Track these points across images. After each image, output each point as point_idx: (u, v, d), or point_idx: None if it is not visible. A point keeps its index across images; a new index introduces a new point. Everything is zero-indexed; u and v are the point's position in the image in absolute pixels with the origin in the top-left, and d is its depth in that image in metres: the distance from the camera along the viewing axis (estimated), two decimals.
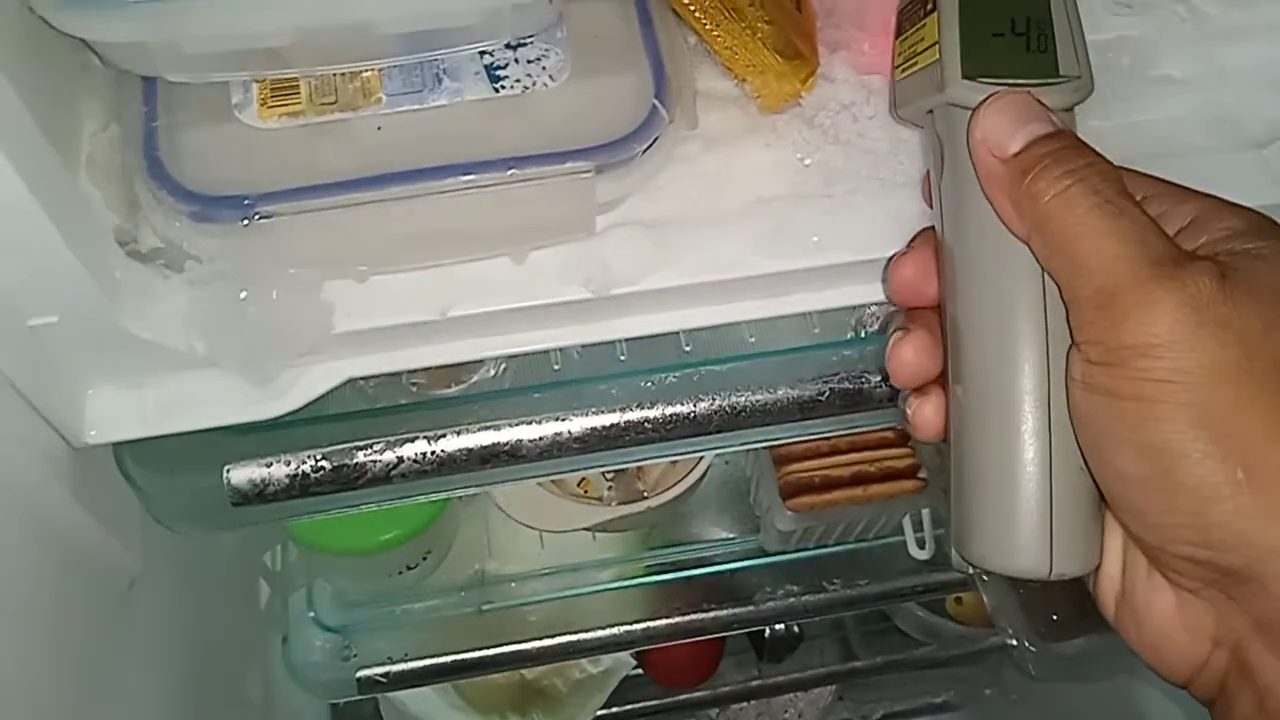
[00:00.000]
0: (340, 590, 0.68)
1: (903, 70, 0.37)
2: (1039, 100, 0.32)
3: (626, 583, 0.71)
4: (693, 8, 0.38)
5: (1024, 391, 0.31)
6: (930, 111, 0.35)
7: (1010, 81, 0.32)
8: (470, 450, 0.42)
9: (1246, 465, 0.26)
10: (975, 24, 0.33)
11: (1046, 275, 0.31)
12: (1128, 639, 0.31)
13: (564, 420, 0.42)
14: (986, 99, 0.32)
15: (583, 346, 0.44)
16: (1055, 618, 0.67)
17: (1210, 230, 0.30)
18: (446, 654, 0.67)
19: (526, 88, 0.37)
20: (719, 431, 0.43)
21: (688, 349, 0.45)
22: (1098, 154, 0.30)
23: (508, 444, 0.42)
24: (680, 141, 0.40)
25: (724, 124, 0.42)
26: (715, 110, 0.42)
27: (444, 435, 0.41)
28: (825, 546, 0.69)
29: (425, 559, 0.65)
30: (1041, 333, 0.31)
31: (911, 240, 0.37)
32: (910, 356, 0.34)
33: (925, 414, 0.34)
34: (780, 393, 0.44)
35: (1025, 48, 0.33)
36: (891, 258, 0.37)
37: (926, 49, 0.34)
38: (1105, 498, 0.30)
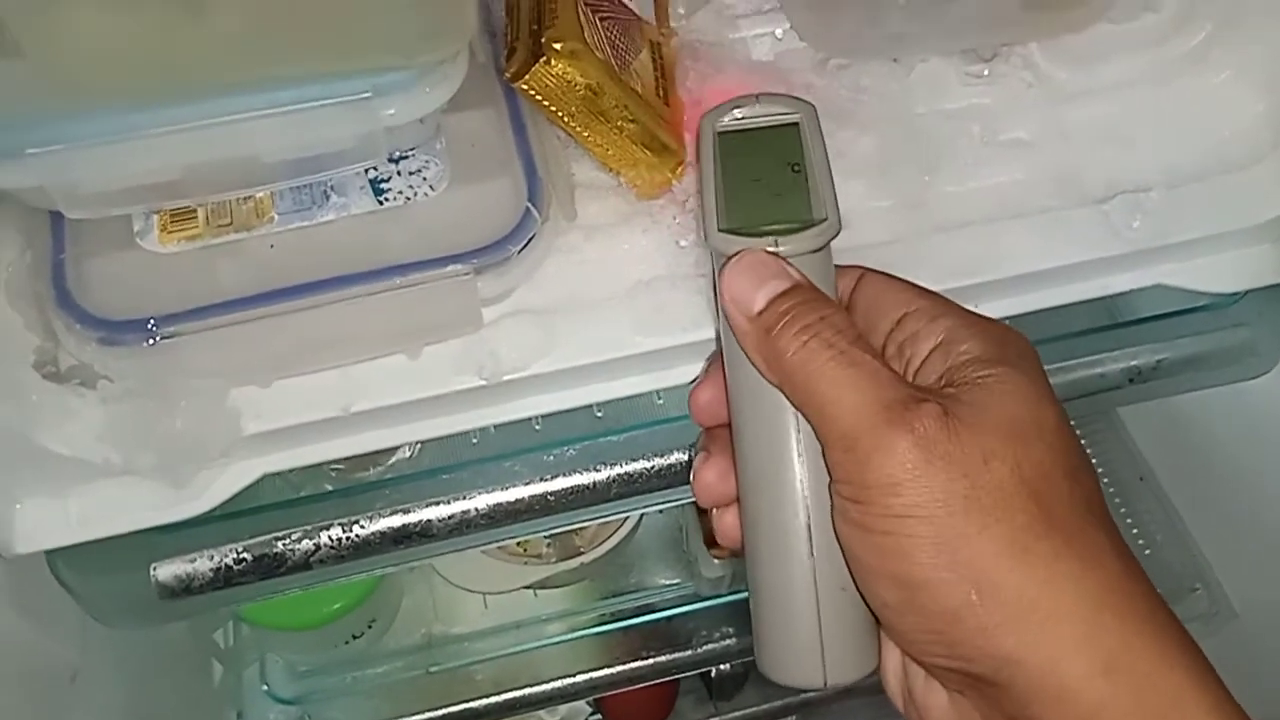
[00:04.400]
0: (291, 662, 0.70)
1: (696, 199, 0.39)
2: (786, 251, 0.34)
3: (569, 636, 0.73)
4: (560, 114, 0.42)
5: (786, 521, 0.33)
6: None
7: (766, 229, 0.34)
8: (383, 533, 0.44)
9: (978, 586, 0.29)
10: (734, 173, 0.35)
11: (800, 415, 0.33)
12: None
13: (470, 498, 0.45)
14: (730, 258, 0.34)
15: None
16: None
17: (951, 355, 0.32)
18: (398, 717, 0.69)
19: (409, 198, 0.41)
20: (619, 498, 0.46)
21: (600, 415, 0.48)
22: (831, 304, 0.33)
23: (419, 524, 0.45)
24: (562, 233, 0.44)
25: (604, 212, 0.45)
26: (595, 200, 0.45)
27: (358, 521, 0.44)
28: None
29: (370, 627, 0.68)
30: (799, 467, 0.33)
31: (707, 363, 0.39)
32: (710, 479, 0.37)
33: (727, 522, 0.37)
34: (674, 457, 0.46)
35: (782, 192, 0.35)
36: (692, 382, 0.39)
37: (698, 191, 0.37)
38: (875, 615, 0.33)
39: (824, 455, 0.32)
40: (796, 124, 0.36)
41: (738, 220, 0.35)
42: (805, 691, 0.34)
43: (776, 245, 0.34)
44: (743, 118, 0.36)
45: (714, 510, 0.38)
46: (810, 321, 0.32)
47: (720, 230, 0.35)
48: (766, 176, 0.35)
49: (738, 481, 0.36)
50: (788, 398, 0.33)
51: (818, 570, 0.33)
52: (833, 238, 0.35)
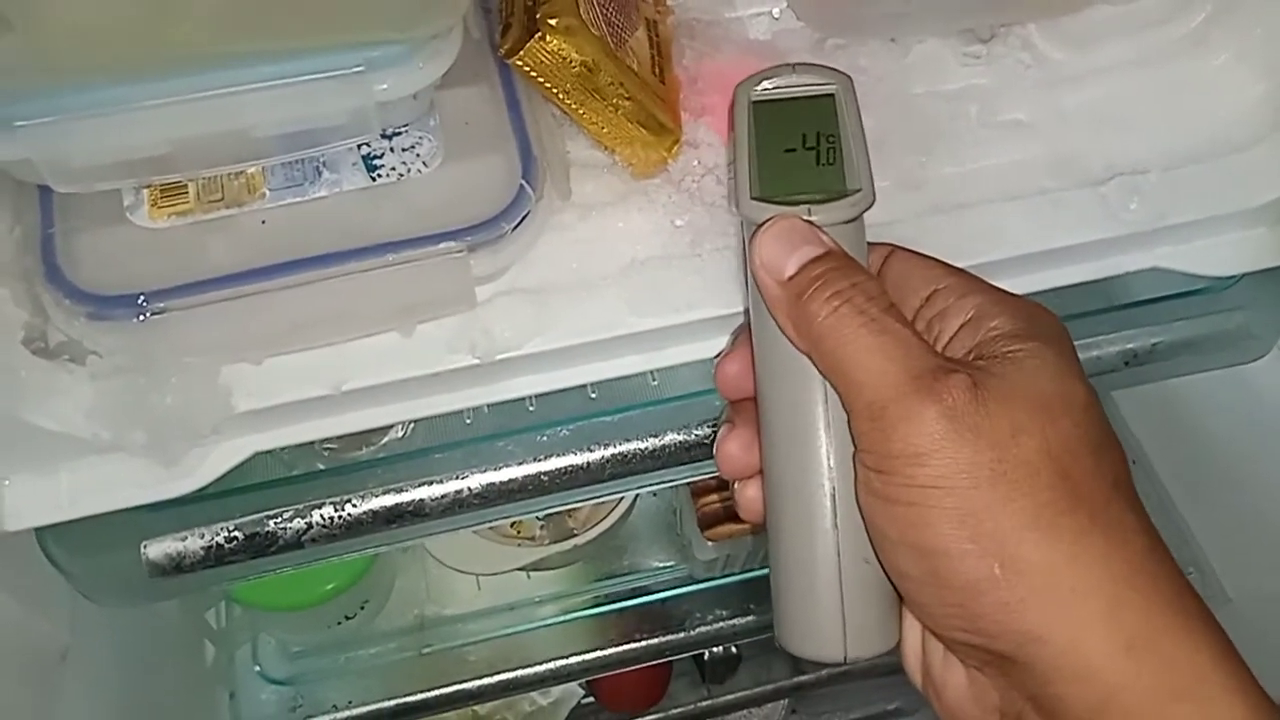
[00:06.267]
0: (284, 643, 0.70)
1: (728, 170, 0.39)
2: (819, 220, 0.34)
3: (562, 618, 0.73)
4: (556, 91, 0.41)
5: (811, 491, 0.33)
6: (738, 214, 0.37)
7: (799, 199, 0.34)
8: (376, 512, 0.44)
9: (1001, 560, 0.29)
10: (768, 142, 0.35)
11: (828, 384, 0.33)
12: (933, 707, 0.33)
13: (464, 478, 0.45)
14: (763, 224, 0.34)
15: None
16: None
17: (981, 331, 0.32)
18: (390, 699, 0.69)
19: (402, 175, 0.40)
20: (612, 479, 0.46)
21: (593, 396, 0.48)
22: (864, 271, 0.33)
23: (411, 504, 0.44)
24: (556, 211, 0.43)
25: (599, 191, 0.45)
26: (590, 179, 0.45)
27: (350, 500, 0.44)
28: (750, 571, 0.72)
29: (363, 608, 0.68)
30: (826, 437, 0.33)
31: (734, 335, 0.39)
32: (734, 450, 0.36)
33: (748, 495, 0.36)
34: (668, 438, 0.46)
35: (815, 162, 0.35)
36: (719, 355, 0.39)
37: (732, 161, 0.37)
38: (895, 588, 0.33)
39: (849, 424, 0.32)
40: (832, 95, 0.36)
41: (770, 189, 0.35)
42: (824, 665, 0.34)
43: (809, 214, 0.34)
44: (778, 87, 0.36)
45: (736, 483, 0.37)
46: (842, 287, 0.32)
47: (753, 198, 0.35)
48: (800, 146, 0.35)
49: (762, 452, 0.35)
50: (816, 365, 0.33)
51: (841, 542, 0.33)
52: (866, 209, 0.35)
